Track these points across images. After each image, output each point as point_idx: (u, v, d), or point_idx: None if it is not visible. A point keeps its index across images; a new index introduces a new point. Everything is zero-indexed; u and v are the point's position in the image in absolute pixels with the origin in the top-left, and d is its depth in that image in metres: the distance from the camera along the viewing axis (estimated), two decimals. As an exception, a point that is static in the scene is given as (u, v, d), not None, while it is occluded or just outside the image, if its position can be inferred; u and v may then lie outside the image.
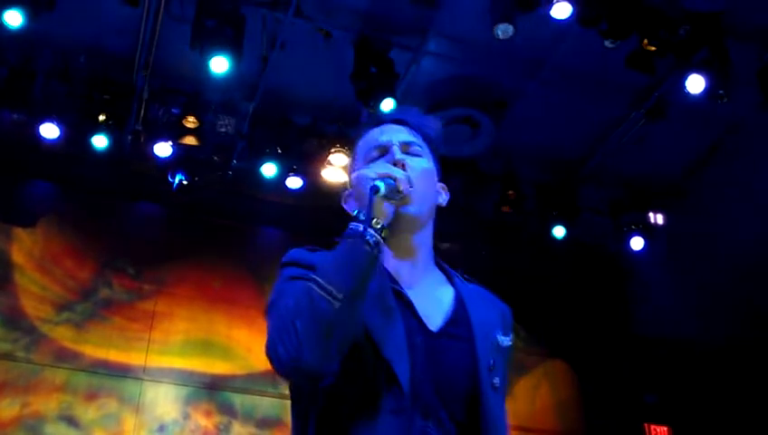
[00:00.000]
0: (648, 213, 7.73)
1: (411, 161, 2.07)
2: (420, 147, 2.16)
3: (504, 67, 6.65)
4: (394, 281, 2.01)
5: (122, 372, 7.04)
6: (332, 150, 7.06)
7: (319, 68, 6.68)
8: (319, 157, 7.14)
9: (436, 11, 6.05)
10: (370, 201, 1.86)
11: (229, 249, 7.82)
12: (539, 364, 8.19)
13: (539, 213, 7.71)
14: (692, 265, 7.52)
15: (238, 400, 7.22)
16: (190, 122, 6.85)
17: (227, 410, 7.17)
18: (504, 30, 5.70)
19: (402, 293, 1.98)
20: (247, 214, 7.91)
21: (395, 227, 1.99)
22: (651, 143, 7.18)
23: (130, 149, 7.19)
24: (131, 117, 6.93)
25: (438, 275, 2.14)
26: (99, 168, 7.15)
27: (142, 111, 6.89)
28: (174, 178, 7.26)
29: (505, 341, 2.06)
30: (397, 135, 2.15)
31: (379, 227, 1.85)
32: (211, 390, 7.20)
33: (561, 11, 5.67)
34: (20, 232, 7.28)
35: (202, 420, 7.08)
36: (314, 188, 7.25)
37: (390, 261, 2.06)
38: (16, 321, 6.93)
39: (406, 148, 2.12)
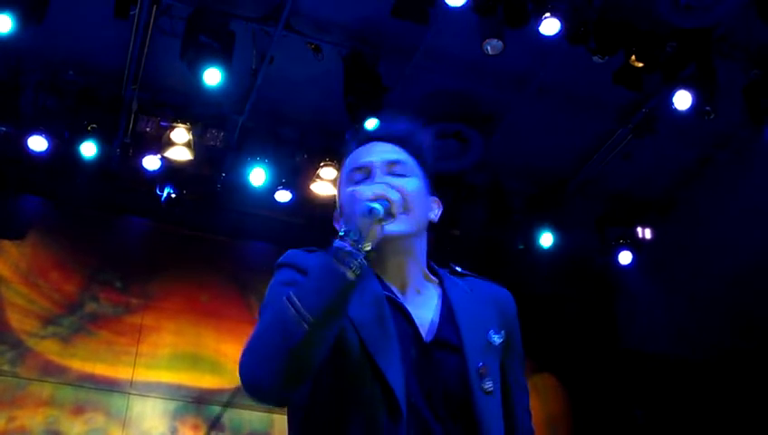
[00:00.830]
0: (635, 227, 7.78)
1: (397, 183, 1.98)
2: (406, 164, 2.06)
3: (493, 82, 6.69)
4: (387, 288, 1.97)
5: (109, 386, 7.01)
6: (322, 164, 7.08)
7: (308, 82, 6.71)
8: (308, 171, 7.16)
9: (425, 26, 6.09)
10: (363, 222, 1.79)
11: (217, 263, 7.81)
12: (528, 379, 8.15)
13: (527, 227, 7.74)
14: (680, 279, 7.56)
15: (226, 414, 7.20)
16: (179, 136, 6.85)
17: (215, 425, 7.15)
18: (493, 46, 5.74)
19: (397, 301, 1.94)
20: (236, 228, 7.90)
21: (386, 248, 1.94)
22: (639, 158, 7.23)
23: (119, 163, 7.19)
24: (120, 130, 6.93)
25: (429, 284, 2.08)
26: (87, 181, 7.14)
27: (131, 125, 6.89)
28: (162, 191, 7.25)
29: (497, 338, 2.00)
30: (381, 154, 2.06)
31: (368, 249, 1.78)
32: (199, 404, 7.18)
33: (550, 27, 5.72)
34: (6, 245, 7.25)
35: (189, 435, 7.06)
36: (303, 201, 7.27)
37: (383, 273, 2.01)
38: (2, 334, 6.89)
39: (390, 168, 2.04)
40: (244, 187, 7.18)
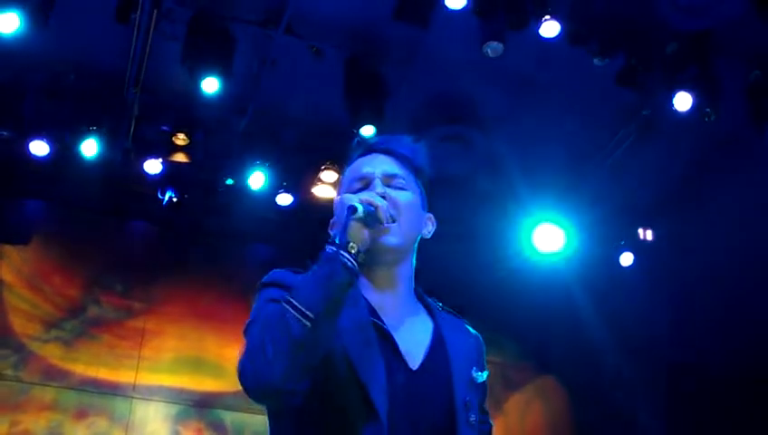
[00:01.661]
0: (637, 229, 7.77)
1: (393, 194, 2.06)
2: (405, 179, 2.13)
3: (495, 85, 6.68)
4: (375, 314, 2.00)
5: (112, 390, 7.01)
6: (323, 167, 7.08)
7: (309, 85, 6.71)
8: (309, 173, 7.16)
9: (427, 29, 6.08)
10: (346, 222, 1.87)
11: (219, 266, 7.81)
12: (530, 381, 8.20)
13: (531, 230, 7.72)
14: (681, 280, 7.55)
15: (229, 418, 7.20)
16: (180, 139, 6.86)
17: (218, 429, 7.15)
18: (493, 48, 5.74)
19: (383, 328, 1.98)
20: (238, 231, 7.90)
21: (376, 259, 2.01)
22: (640, 160, 7.22)
23: (121, 167, 7.18)
24: (121, 134, 6.93)
25: (419, 309, 2.14)
26: (89, 185, 7.14)
27: (132, 129, 6.89)
28: (164, 195, 7.25)
29: (480, 377, 2.07)
30: (381, 166, 2.13)
31: (354, 251, 1.85)
32: (201, 408, 7.18)
33: (551, 29, 5.72)
34: (9, 249, 7.26)
35: (192, 438, 7.06)
36: (305, 204, 7.27)
37: (372, 294, 2.05)
38: (5, 339, 6.90)
39: (388, 180, 2.10)
40: (245, 190, 7.18)
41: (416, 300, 2.14)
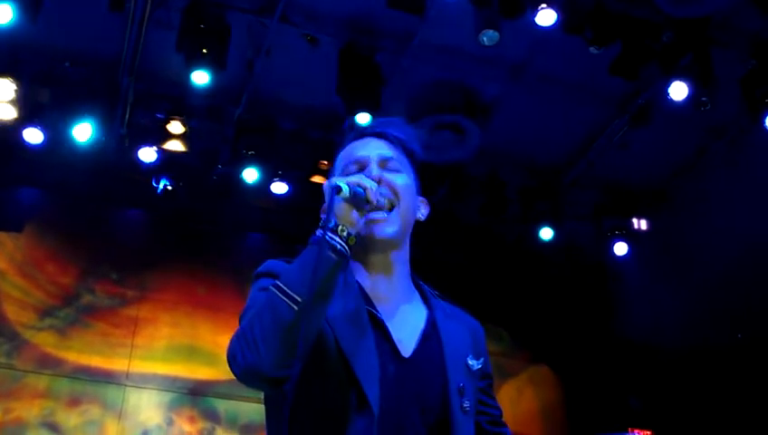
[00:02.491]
0: (631, 219, 7.77)
1: (390, 178, 2.06)
2: (399, 162, 2.13)
3: (490, 73, 6.66)
4: (369, 302, 1.99)
5: (105, 377, 6.99)
6: (318, 156, 7.05)
7: (304, 74, 6.68)
8: (304, 162, 7.13)
9: (421, 17, 6.05)
10: (331, 202, 1.85)
11: (214, 255, 7.80)
12: (523, 369, 8.21)
13: (523, 218, 7.73)
14: (675, 270, 7.55)
15: (222, 405, 7.19)
16: (175, 127, 6.82)
17: (211, 416, 7.14)
18: (489, 36, 5.71)
19: (376, 316, 1.96)
20: (232, 219, 7.89)
21: (372, 247, 2.02)
22: (635, 149, 7.21)
23: (115, 154, 7.15)
24: (116, 122, 6.89)
25: (414, 295, 2.12)
26: (83, 172, 7.11)
27: (127, 117, 6.85)
28: (158, 183, 7.23)
29: (476, 364, 2.05)
30: (375, 150, 2.12)
31: (345, 234, 1.83)
32: (194, 395, 7.17)
33: (546, 18, 5.69)
34: (2, 237, 7.23)
35: (185, 426, 7.05)
36: (300, 193, 7.24)
37: (365, 279, 2.04)
38: (-2, 326, 6.88)
39: (384, 163, 2.09)
40: (240, 179, 7.15)
41: (411, 286, 2.13)
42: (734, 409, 7.67)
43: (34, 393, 6.75)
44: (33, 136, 6.64)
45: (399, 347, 1.95)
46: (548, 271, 8.07)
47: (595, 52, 5.93)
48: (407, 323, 2.01)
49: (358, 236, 1.89)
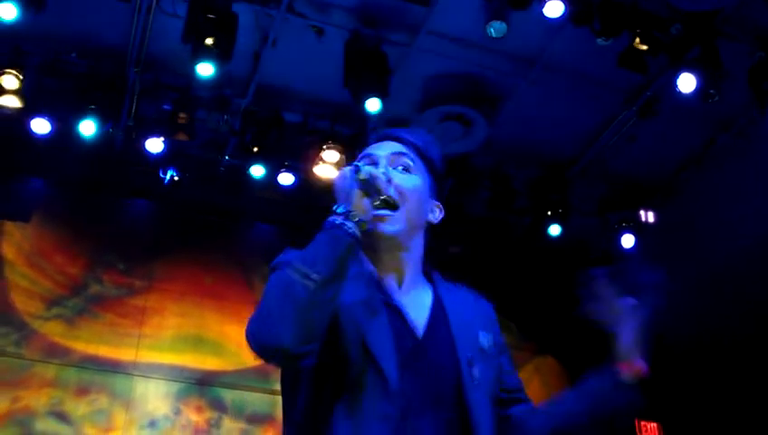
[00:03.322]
0: (638, 211, 7.76)
1: (398, 178, 2.13)
2: (412, 162, 2.19)
3: (497, 65, 6.65)
4: (380, 289, 2.08)
5: (113, 367, 7.03)
6: (325, 147, 7.05)
7: (311, 65, 6.68)
8: (311, 153, 7.14)
9: (429, 8, 6.05)
10: (347, 186, 1.95)
11: (221, 245, 7.82)
12: (530, 360, 8.21)
13: (530, 210, 7.73)
14: (682, 262, 7.54)
15: (229, 395, 7.22)
16: (182, 118, 6.83)
17: (218, 406, 7.17)
18: (497, 28, 5.72)
19: (390, 300, 2.06)
20: (239, 210, 7.90)
21: (376, 245, 2.09)
22: (642, 141, 7.20)
23: (122, 145, 7.17)
24: (123, 113, 6.91)
25: (422, 282, 2.20)
26: (90, 163, 7.14)
27: (134, 107, 6.87)
28: (165, 173, 7.24)
29: (486, 337, 2.13)
30: (389, 148, 2.20)
31: (356, 220, 1.91)
32: (202, 385, 7.20)
33: (554, 9, 5.68)
34: (10, 227, 7.26)
35: (193, 416, 7.08)
36: (306, 184, 7.25)
37: (379, 278, 2.12)
38: (6, 316, 6.91)
39: (394, 159, 2.17)
40: (246, 169, 7.17)
41: (422, 276, 2.21)
42: (741, 401, 7.68)
43: (42, 382, 6.79)
44: (41, 126, 6.66)
45: (413, 327, 2.05)
46: (555, 262, 8.07)
47: (603, 43, 5.92)
48: (415, 306, 2.10)
49: (366, 229, 1.95)
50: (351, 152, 7.02)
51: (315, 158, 7.09)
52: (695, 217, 7.46)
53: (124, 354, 7.09)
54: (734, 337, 7.77)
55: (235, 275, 7.73)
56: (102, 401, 6.89)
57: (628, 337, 2.16)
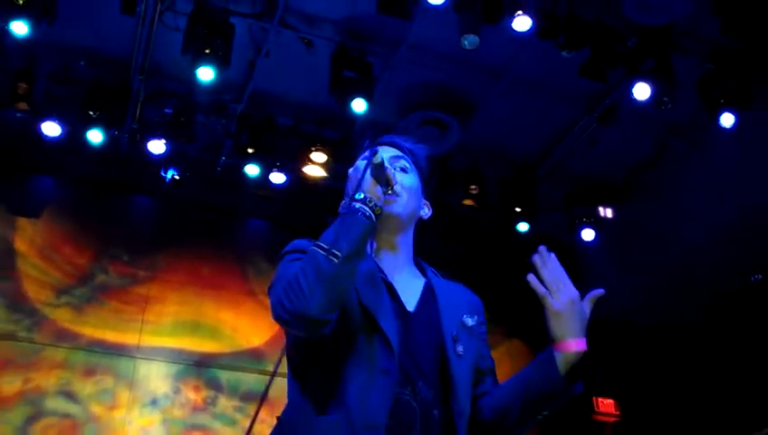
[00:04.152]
0: (598, 207, 7.80)
1: (398, 176, 2.22)
2: (409, 164, 2.31)
3: (470, 74, 6.67)
4: (379, 270, 2.16)
5: (117, 350, 7.01)
6: (313, 149, 7.05)
7: (301, 73, 6.68)
8: (300, 154, 7.13)
9: (409, 22, 6.05)
10: (364, 174, 2.04)
11: (217, 239, 7.80)
12: (500, 344, 8.24)
13: (501, 207, 7.75)
14: (636, 254, 7.61)
15: (224, 376, 7.21)
16: (182, 122, 6.81)
17: (214, 386, 7.16)
18: (470, 41, 5.72)
19: (387, 280, 2.14)
20: (234, 207, 7.89)
21: (382, 225, 2.15)
22: (602, 145, 7.24)
23: (127, 147, 7.14)
24: (128, 116, 6.87)
25: (414, 270, 2.30)
26: (97, 163, 7.10)
27: (138, 111, 6.84)
28: (167, 173, 7.22)
29: (470, 321, 2.21)
30: (389, 153, 2.29)
31: (372, 205, 1.99)
32: (199, 367, 7.19)
33: (522, 24, 5.70)
34: (22, 222, 7.21)
35: (191, 395, 7.07)
36: (296, 183, 7.25)
37: (376, 254, 2.23)
38: (19, 304, 6.87)
39: (393, 161, 2.27)
40: (241, 170, 7.15)
41: (413, 265, 2.31)
42: (690, 380, 7.76)
43: (52, 365, 6.76)
44: (51, 129, 6.63)
45: (405, 304, 2.13)
46: (523, 255, 8.09)
47: (566, 56, 5.95)
48: (409, 287, 2.19)
49: (379, 214, 2.03)
50: (338, 154, 7.02)
51: (305, 158, 7.08)
52: (649, 214, 7.52)
53: (128, 339, 7.06)
54: (684, 322, 7.85)
55: (230, 266, 7.72)
56: (108, 381, 6.86)
57: (565, 317, 2.12)
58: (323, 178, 7.07)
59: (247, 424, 7.08)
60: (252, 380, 7.18)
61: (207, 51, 5.83)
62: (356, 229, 1.94)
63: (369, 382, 1.92)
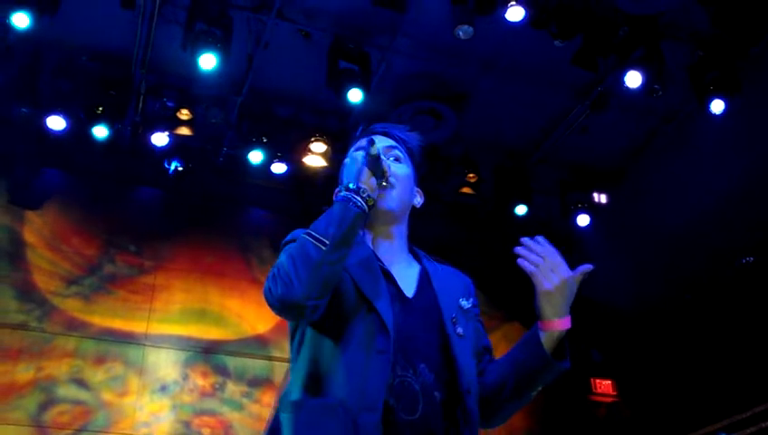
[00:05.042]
0: (592, 193, 7.78)
1: (392, 166, 2.21)
2: (401, 153, 2.28)
3: (465, 64, 6.64)
4: (377, 259, 2.15)
5: (127, 338, 7.00)
6: (312, 139, 7.04)
7: (299, 65, 6.64)
8: (300, 145, 7.11)
9: (404, 14, 6.02)
10: (359, 164, 2.02)
11: (220, 228, 7.79)
12: (498, 327, 8.25)
13: (496, 194, 7.74)
14: (630, 238, 7.61)
15: (231, 362, 7.22)
16: (184, 115, 6.79)
17: (222, 372, 7.17)
18: (464, 31, 5.70)
19: (385, 268, 2.13)
20: (236, 196, 7.87)
21: (376, 219, 2.18)
22: (594, 132, 7.23)
23: (130, 139, 7.12)
24: (130, 110, 6.85)
25: (410, 257, 2.28)
26: (102, 156, 7.08)
27: (140, 105, 6.82)
28: (170, 164, 7.20)
29: (466, 303, 2.20)
30: (383, 142, 2.27)
31: (365, 195, 1.99)
32: (207, 353, 7.19)
33: (516, 14, 5.68)
34: (31, 214, 7.20)
35: (199, 381, 7.08)
36: (296, 172, 7.24)
37: (372, 244, 2.23)
38: (29, 294, 6.86)
39: (387, 151, 2.25)
40: (243, 160, 7.14)
41: (408, 253, 2.29)
42: (687, 361, 7.78)
43: (63, 353, 6.76)
44: (56, 123, 6.61)
45: (403, 290, 2.12)
46: (519, 240, 8.09)
47: (559, 45, 5.92)
48: (406, 274, 2.18)
49: (372, 205, 2.02)
50: (337, 144, 7.01)
51: (304, 149, 7.07)
52: (641, 199, 7.51)
53: (136, 327, 7.06)
54: (676, 303, 7.86)
55: (233, 254, 7.71)
56: (118, 368, 6.87)
57: (555, 296, 2.15)
58: (323, 168, 7.06)
59: (255, 409, 7.11)
60: (258, 365, 7.19)
61: (206, 44, 5.80)
62: (346, 219, 1.93)
63: (366, 365, 1.91)
